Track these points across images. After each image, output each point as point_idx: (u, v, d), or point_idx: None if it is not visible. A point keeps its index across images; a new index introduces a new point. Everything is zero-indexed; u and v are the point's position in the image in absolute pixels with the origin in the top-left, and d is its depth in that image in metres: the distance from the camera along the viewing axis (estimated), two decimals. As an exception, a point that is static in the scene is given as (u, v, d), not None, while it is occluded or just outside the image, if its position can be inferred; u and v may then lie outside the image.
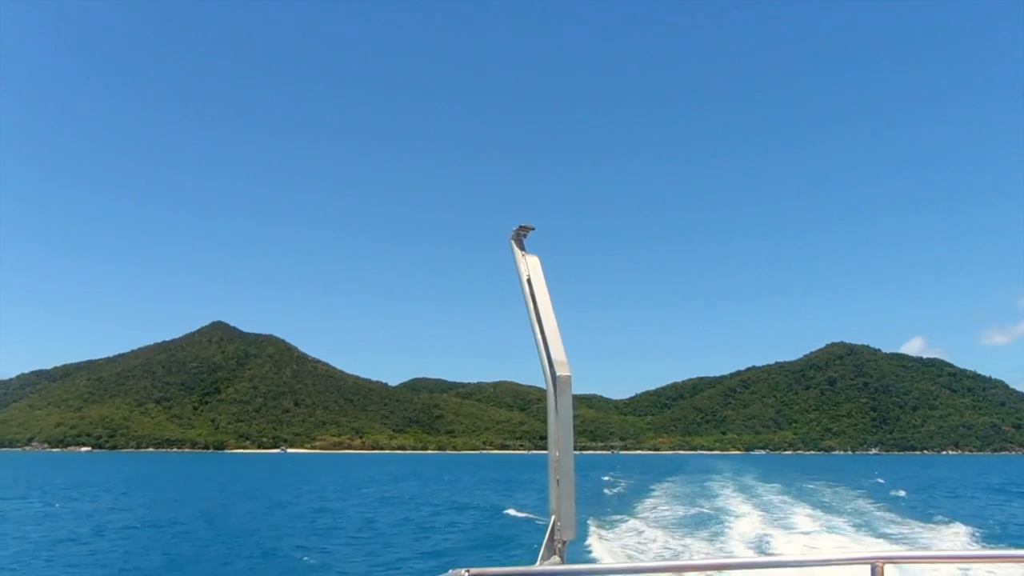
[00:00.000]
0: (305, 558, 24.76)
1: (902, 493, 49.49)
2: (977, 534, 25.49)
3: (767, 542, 23.66)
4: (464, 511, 42.67)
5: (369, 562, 24.10)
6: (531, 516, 38.19)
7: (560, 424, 3.71)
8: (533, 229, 4.03)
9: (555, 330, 3.83)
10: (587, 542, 23.44)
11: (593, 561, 17.67)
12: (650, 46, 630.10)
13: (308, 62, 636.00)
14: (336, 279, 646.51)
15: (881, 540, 24.07)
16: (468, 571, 3.07)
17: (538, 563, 3.52)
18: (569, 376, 3.74)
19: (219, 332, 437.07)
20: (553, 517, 3.63)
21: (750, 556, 17.03)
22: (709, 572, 11.09)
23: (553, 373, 3.73)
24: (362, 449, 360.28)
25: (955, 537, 24.65)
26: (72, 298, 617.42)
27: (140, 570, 23.24)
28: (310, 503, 48.47)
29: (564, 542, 3.63)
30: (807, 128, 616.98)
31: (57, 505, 45.61)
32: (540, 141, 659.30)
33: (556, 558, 3.58)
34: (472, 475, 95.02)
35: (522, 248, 4.03)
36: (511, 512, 41.38)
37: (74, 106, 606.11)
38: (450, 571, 3.07)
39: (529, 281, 3.95)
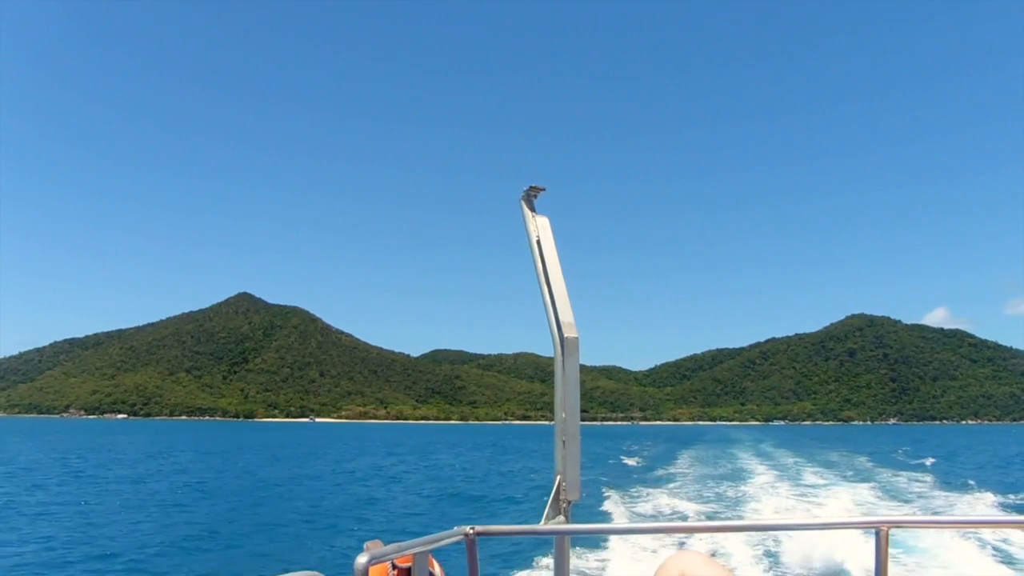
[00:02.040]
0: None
1: (930, 461, 48.71)
2: (998, 502, 24.92)
3: (780, 507, 23.74)
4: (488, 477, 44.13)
5: (387, 516, 25.77)
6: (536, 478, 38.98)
7: (567, 386, 3.76)
8: (543, 190, 4.04)
9: (563, 292, 3.87)
10: (601, 506, 23.63)
11: (598, 521, 17.91)
12: (674, 12, 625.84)
13: (334, 35, 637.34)
14: (357, 251, 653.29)
15: (889, 504, 24.21)
16: (473, 528, 3.10)
17: (543, 522, 3.60)
18: (576, 338, 3.78)
19: (245, 303, 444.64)
20: (558, 478, 3.68)
21: (756, 519, 17.20)
22: (715, 533, 13.22)
23: (561, 335, 3.77)
24: (386, 419, 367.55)
25: (975, 504, 24.10)
26: (100, 269, 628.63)
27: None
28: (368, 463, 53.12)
29: (569, 502, 3.67)
30: (830, 95, 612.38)
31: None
32: (563, 109, 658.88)
33: (561, 518, 3.64)
34: (502, 445, 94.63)
35: (532, 209, 4.04)
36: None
37: (102, 82, 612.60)
38: (455, 528, 3.10)
39: (539, 242, 3.96)
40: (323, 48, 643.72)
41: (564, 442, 3.69)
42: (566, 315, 3.78)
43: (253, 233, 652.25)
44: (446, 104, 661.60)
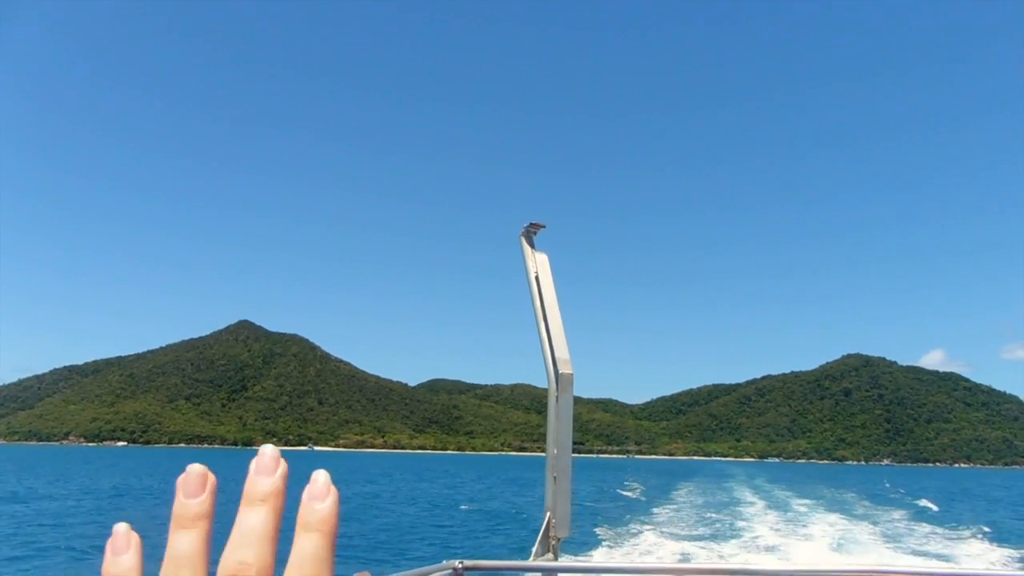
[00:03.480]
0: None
1: (924, 503, 48.72)
2: (990, 551, 24.68)
3: (774, 549, 23.83)
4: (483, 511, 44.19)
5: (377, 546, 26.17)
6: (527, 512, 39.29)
7: (560, 422, 3.75)
8: (543, 227, 4.04)
9: (560, 328, 3.85)
10: (591, 542, 23.82)
11: (587, 557, 18.55)
12: (669, 51, 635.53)
13: (334, 65, 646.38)
14: (357, 279, 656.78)
15: (880, 551, 23.99)
16: (462, 563, 3.07)
17: (532, 558, 3.59)
18: (571, 374, 3.77)
19: (245, 331, 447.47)
20: (548, 514, 3.67)
21: (749, 563, 17.42)
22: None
23: (556, 371, 3.76)
24: (384, 448, 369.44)
25: (971, 551, 23.91)
26: (98, 295, 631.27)
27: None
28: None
29: (558, 539, 3.65)
30: (827, 134, 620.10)
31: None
32: (559, 144, 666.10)
33: (550, 555, 3.64)
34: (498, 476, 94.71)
35: (532, 245, 4.03)
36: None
37: (102, 107, 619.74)
38: (444, 562, 3.08)
39: (537, 278, 3.96)
40: (323, 77, 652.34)
41: (555, 478, 3.69)
42: (562, 351, 3.78)
43: (254, 260, 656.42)
44: (448, 135, 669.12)
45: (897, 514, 40.13)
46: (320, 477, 0.57)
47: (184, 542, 0.59)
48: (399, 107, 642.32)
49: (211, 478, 0.49)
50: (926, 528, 32.20)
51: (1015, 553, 24.24)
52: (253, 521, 0.52)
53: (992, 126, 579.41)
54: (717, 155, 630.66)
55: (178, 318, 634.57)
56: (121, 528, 0.57)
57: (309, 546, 0.56)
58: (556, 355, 3.76)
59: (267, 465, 0.57)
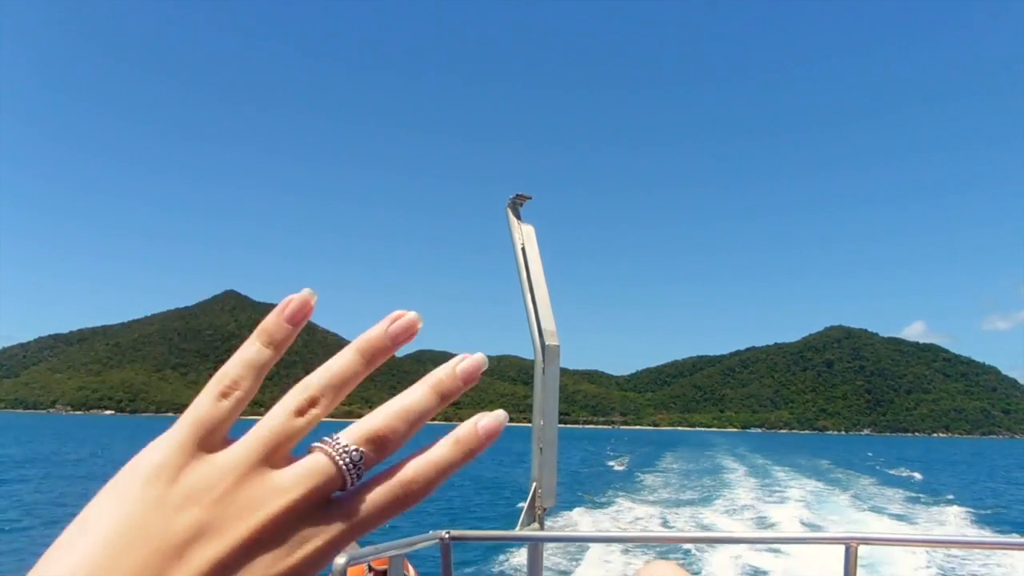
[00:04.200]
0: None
1: (906, 473, 48.96)
2: (969, 519, 24.78)
3: (754, 518, 23.97)
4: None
5: None
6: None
7: (546, 393, 3.75)
8: (530, 198, 4.04)
9: (546, 300, 3.88)
10: (576, 512, 23.62)
11: (572, 528, 18.51)
12: (656, 26, 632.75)
13: (323, 39, 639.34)
14: (342, 251, 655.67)
15: (861, 520, 24.09)
16: (448, 532, 3.08)
17: (518, 528, 3.63)
18: (558, 346, 3.78)
19: (231, 301, 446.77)
20: (534, 484, 3.70)
21: (727, 531, 17.47)
22: (687, 544, 13.87)
23: (542, 342, 3.77)
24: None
25: (953, 520, 24.02)
26: (81, 264, 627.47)
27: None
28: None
29: (544, 509, 3.70)
30: (811, 111, 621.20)
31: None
32: (546, 118, 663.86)
33: (535, 524, 3.67)
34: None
35: (518, 216, 4.02)
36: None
37: (89, 78, 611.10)
38: (431, 532, 3.08)
39: (523, 249, 3.96)
40: (313, 51, 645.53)
41: (541, 449, 3.74)
42: (548, 323, 3.83)
43: (238, 231, 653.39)
44: (435, 109, 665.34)
45: (867, 480, 41.15)
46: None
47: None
48: (386, 81, 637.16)
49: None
50: (901, 494, 32.61)
51: (979, 513, 24.81)
52: (427, 406, 0.50)
53: (975, 104, 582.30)
54: (703, 130, 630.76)
55: (163, 288, 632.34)
56: (306, 295, 0.57)
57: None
58: (542, 326, 3.80)
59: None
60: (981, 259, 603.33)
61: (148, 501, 0.41)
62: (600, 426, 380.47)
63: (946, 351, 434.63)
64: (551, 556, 13.45)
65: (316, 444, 0.52)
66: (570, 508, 23.92)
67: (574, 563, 13.78)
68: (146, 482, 0.42)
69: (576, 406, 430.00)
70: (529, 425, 3.78)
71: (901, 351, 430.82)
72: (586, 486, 33.82)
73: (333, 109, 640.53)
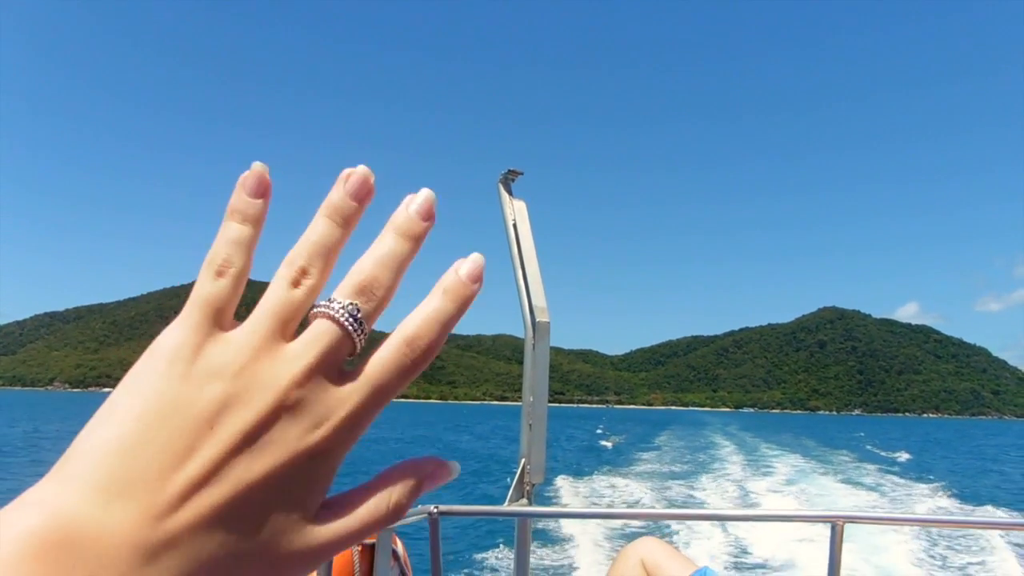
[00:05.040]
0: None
1: (899, 455, 48.79)
2: (957, 500, 24.60)
3: (740, 494, 24.11)
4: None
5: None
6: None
7: (536, 369, 3.68)
8: (521, 173, 3.94)
9: (537, 276, 3.79)
10: (565, 490, 23.70)
11: (560, 504, 18.39)
12: (656, 4, 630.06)
13: (320, 20, 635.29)
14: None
15: (847, 498, 24.28)
16: (437, 507, 3.08)
17: (506, 504, 3.59)
18: (548, 322, 3.70)
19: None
20: (523, 460, 3.65)
21: (715, 508, 17.50)
22: (674, 521, 13.92)
23: (533, 318, 3.69)
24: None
25: (932, 500, 24.06)
26: (75, 243, 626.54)
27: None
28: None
29: (533, 485, 3.66)
30: (807, 92, 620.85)
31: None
32: (541, 97, 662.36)
33: (524, 500, 3.63)
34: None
35: (510, 192, 3.94)
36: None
37: (88, 59, 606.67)
38: (419, 507, 3.05)
39: (515, 225, 3.87)
40: (310, 32, 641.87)
41: (531, 425, 3.68)
42: (539, 299, 3.74)
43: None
44: (432, 87, 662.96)
45: (851, 458, 41.72)
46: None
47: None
48: (380, 58, 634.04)
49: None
50: (886, 474, 33.00)
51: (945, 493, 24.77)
52: (397, 249, 0.49)
53: (971, 86, 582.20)
54: (696, 111, 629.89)
55: (156, 266, 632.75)
56: (258, 167, 0.50)
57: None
58: (533, 303, 3.77)
59: (421, 205, 0.52)
60: (976, 240, 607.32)
61: (173, 377, 0.42)
62: (594, 405, 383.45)
63: (937, 332, 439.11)
64: (539, 532, 13.55)
65: (314, 310, 0.51)
66: (559, 485, 24.15)
67: (562, 539, 13.79)
68: (169, 362, 0.43)
69: (570, 385, 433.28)
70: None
71: (893, 332, 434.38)
72: (576, 464, 33.98)
73: (326, 89, 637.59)
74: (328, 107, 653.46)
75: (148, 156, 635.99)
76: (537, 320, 3.78)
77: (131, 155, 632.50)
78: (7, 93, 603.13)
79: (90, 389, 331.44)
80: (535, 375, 3.74)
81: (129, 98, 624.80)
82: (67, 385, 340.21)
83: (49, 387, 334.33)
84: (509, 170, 4.06)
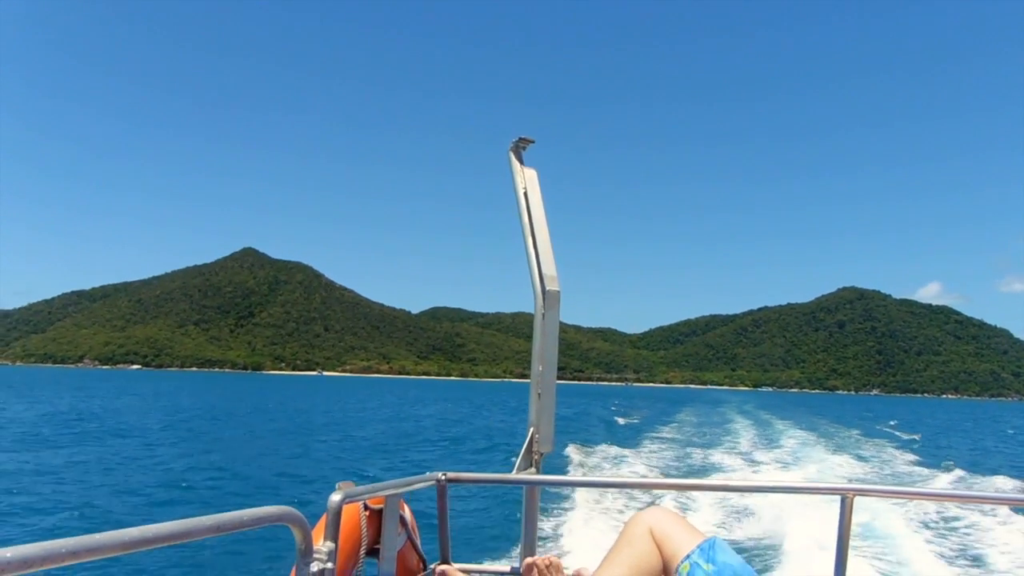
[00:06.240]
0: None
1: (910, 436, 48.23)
2: (968, 476, 24.40)
3: (752, 468, 24.07)
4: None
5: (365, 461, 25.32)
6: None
7: (546, 339, 3.72)
8: (532, 142, 3.97)
9: (548, 245, 3.82)
10: (575, 460, 23.61)
11: (567, 473, 18.36)
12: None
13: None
14: (355, 209, 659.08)
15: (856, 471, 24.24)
16: (445, 474, 3.11)
17: (514, 472, 3.60)
18: (558, 291, 3.73)
19: (249, 258, 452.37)
20: (532, 429, 3.67)
21: (725, 479, 17.33)
22: (683, 491, 14.02)
23: (543, 287, 3.71)
24: (389, 374, 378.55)
25: (944, 477, 23.84)
26: (99, 223, 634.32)
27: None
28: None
29: (541, 454, 3.68)
30: (828, 69, 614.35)
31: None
32: (564, 74, 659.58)
33: (532, 469, 3.65)
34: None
35: (520, 160, 3.97)
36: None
37: (109, 43, 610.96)
38: (427, 474, 3.11)
39: (526, 194, 3.91)
40: (323, 12, 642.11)
41: (539, 395, 3.71)
42: (549, 268, 3.76)
43: (254, 189, 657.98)
44: (452, 67, 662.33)
45: (860, 435, 42.93)
46: None
47: None
48: (399, 40, 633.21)
49: None
50: (904, 455, 33.02)
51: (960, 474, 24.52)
52: None
53: (995, 64, 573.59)
54: (717, 88, 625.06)
55: (181, 245, 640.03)
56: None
57: None
58: (543, 271, 3.76)
59: None
60: (1000, 220, 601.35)
61: None
62: (613, 383, 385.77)
63: (958, 313, 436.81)
64: (547, 500, 13.24)
65: None
66: (568, 455, 24.22)
67: (570, 508, 13.73)
68: None
69: (589, 363, 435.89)
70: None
71: (913, 313, 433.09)
72: (586, 436, 34.13)
73: (347, 70, 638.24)
74: (349, 90, 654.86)
75: (165, 138, 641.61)
76: (547, 289, 3.72)
77: (148, 137, 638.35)
78: (36, 82, 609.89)
79: (118, 366, 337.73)
80: (544, 344, 3.72)
81: (154, 82, 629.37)
82: (97, 362, 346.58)
83: (79, 364, 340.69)
84: (520, 138, 3.99)
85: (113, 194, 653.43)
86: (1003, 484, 22.48)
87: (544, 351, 3.71)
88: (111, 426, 36.15)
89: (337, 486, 2.45)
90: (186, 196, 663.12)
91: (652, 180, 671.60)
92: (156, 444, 28.32)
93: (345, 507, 2.38)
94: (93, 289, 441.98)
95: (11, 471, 19.46)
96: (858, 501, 2.87)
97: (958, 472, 25.17)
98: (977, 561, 11.26)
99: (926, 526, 13.29)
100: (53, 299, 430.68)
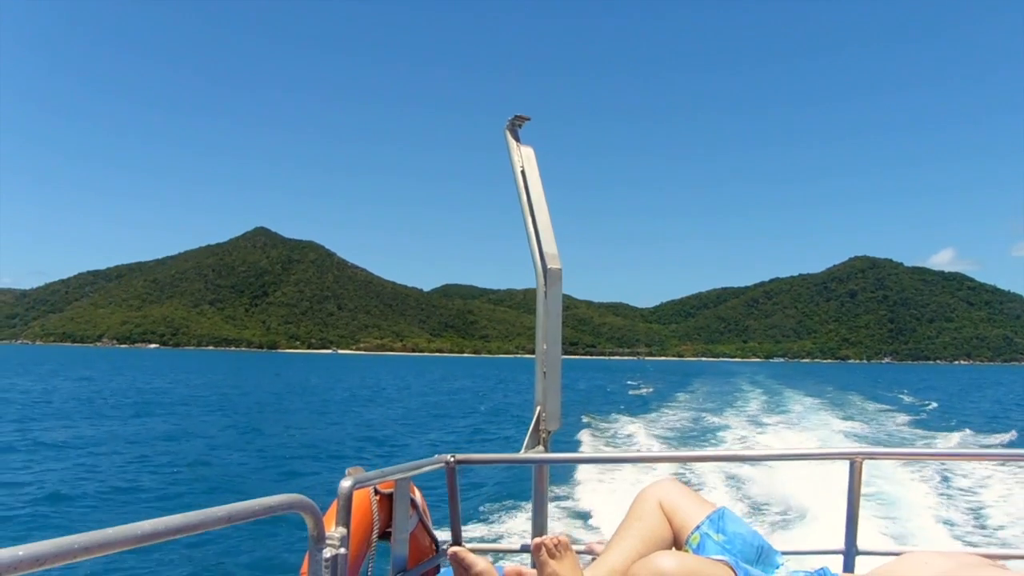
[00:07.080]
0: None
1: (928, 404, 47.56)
2: (976, 437, 24.33)
3: (763, 435, 24.11)
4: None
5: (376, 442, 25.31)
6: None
7: (549, 317, 3.71)
8: (528, 119, 3.97)
9: (547, 222, 3.81)
10: (583, 436, 23.62)
11: (578, 452, 18.23)
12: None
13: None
14: (367, 188, 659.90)
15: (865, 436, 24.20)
16: (454, 456, 3.11)
17: (522, 451, 3.62)
18: (560, 269, 3.72)
19: (262, 237, 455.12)
20: (539, 408, 3.67)
21: (734, 449, 17.95)
22: (693, 463, 14.31)
23: (544, 265, 3.71)
24: (403, 351, 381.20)
25: (953, 439, 23.74)
26: (113, 203, 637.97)
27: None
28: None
29: (549, 432, 3.68)
30: (838, 35, 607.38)
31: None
32: (572, 47, 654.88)
33: (540, 447, 3.65)
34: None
35: (517, 139, 3.96)
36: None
37: (121, 21, 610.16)
38: (435, 456, 3.12)
39: (523, 172, 3.89)
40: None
41: (545, 373, 3.69)
42: (549, 246, 3.75)
43: (266, 169, 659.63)
44: (461, 43, 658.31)
45: (866, 400, 44.11)
46: None
47: None
48: (406, 16, 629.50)
49: None
50: (906, 416, 33.89)
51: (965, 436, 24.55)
52: None
53: (1004, 28, 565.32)
54: (723, 57, 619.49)
55: (194, 225, 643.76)
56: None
57: None
58: (544, 250, 3.74)
59: None
60: (1013, 185, 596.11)
61: None
62: (625, 357, 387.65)
63: (971, 279, 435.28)
64: (556, 478, 13.13)
65: None
66: (576, 431, 24.35)
67: (579, 485, 13.82)
68: None
69: (602, 338, 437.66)
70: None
71: (925, 280, 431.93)
72: (600, 409, 34.02)
73: (355, 49, 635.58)
74: (359, 69, 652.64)
75: (179, 119, 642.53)
76: (548, 267, 3.72)
77: (162, 118, 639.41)
78: (52, 62, 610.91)
79: (136, 345, 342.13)
80: (548, 322, 3.73)
81: (168, 63, 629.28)
82: (115, 341, 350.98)
83: (98, 343, 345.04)
84: (516, 116, 3.96)
85: (128, 175, 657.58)
86: (1012, 441, 22.86)
87: (548, 329, 3.73)
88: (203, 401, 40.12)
89: (347, 472, 2.48)
90: (199, 177, 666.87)
91: (661, 152, 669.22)
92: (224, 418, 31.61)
93: (356, 492, 2.40)
94: (109, 269, 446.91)
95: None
96: (867, 465, 2.88)
97: (967, 431, 25.48)
98: (985, 518, 11.48)
99: (935, 487, 13.41)
100: (69, 279, 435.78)
